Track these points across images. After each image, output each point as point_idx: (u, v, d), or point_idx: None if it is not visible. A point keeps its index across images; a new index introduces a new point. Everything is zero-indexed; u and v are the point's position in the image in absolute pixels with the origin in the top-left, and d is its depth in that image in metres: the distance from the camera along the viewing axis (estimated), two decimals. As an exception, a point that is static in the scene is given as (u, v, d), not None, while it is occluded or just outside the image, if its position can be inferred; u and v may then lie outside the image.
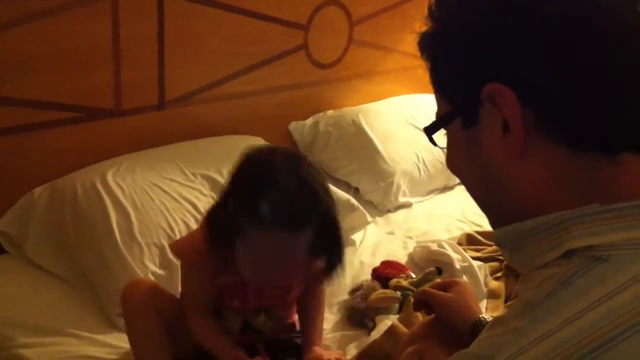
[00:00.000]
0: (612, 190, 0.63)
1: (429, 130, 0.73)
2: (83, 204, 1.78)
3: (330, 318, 1.74)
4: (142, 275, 1.67)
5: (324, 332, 1.65)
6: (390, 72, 2.83)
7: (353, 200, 2.15)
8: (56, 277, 1.76)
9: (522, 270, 0.68)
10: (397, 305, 1.72)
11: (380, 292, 1.73)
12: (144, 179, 1.89)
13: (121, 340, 1.54)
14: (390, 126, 2.55)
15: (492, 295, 1.83)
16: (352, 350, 1.59)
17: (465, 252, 2.00)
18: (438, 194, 2.57)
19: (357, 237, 2.15)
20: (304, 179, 1.24)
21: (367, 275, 1.88)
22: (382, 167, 2.40)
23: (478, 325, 1.14)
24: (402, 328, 1.53)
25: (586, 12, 0.62)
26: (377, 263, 1.92)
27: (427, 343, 1.14)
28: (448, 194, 2.56)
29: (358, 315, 1.73)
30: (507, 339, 0.59)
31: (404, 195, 2.42)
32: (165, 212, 1.83)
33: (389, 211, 2.37)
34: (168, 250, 1.72)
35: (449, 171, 0.77)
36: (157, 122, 2.13)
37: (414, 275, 1.84)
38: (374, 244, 2.13)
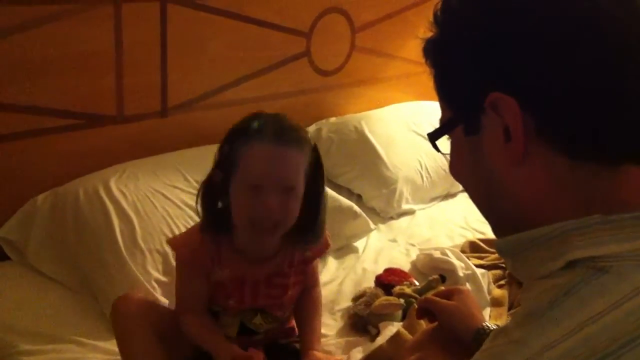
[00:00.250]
0: (613, 201, 0.63)
1: (433, 137, 0.73)
2: (86, 211, 1.78)
3: (333, 324, 1.74)
4: (144, 282, 1.67)
5: (327, 339, 1.65)
6: (392, 79, 2.83)
7: (356, 208, 2.15)
8: (58, 284, 1.76)
9: (524, 279, 0.68)
10: (400, 312, 1.71)
11: (384, 299, 1.72)
12: (146, 186, 1.89)
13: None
14: (393, 133, 2.55)
15: (495, 303, 1.83)
16: (356, 355, 1.59)
17: (469, 259, 1.99)
18: (441, 201, 2.57)
19: (360, 244, 2.16)
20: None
21: (370, 283, 1.88)
22: (384, 174, 2.40)
23: (481, 333, 1.13)
24: (407, 335, 1.53)
25: (586, 12, 0.62)
26: (379, 270, 1.92)
27: (430, 350, 1.14)
28: (451, 201, 2.56)
29: (361, 321, 1.73)
30: (510, 349, 0.59)
31: (407, 202, 2.42)
32: (168, 218, 1.83)
33: (391, 218, 2.37)
34: (171, 257, 1.72)
35: (451, 178, 0.77)
36: (159, 129, 2.13)
37: (417, 283, 1.84)
38: (376, 251, 2.13)
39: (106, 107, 1.99)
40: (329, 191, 2.08)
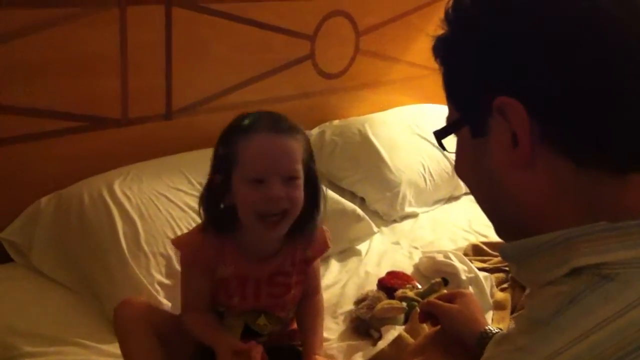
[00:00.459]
0: (618, 208, 0.63)
1: (438, 135, 0.73)
2: (89, 213, 1.78)
3: (335, 328, 1.74)
4: (147, 285, 1.68)
5: (330, 342, 1.65)
6: (396, 82, 2.83)
7: (359, 211, 2.15)
8: (61, 286, 1.76)
9: (528, 284, 0.68)
10: (402, 316, 1.71)
11: (386, 302, 1.72)
12: (150, 189, 1.89)
13: (126, 350, 1.54)
14: (396, 136, 2.55)
15: (498, 306, 1.82)
16: (359, 359, 1.59)
17: (471, 262, 1.99)
18: (444, 204, 2.56)
19: (362, 247, 2.16)
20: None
21: (372, 286, 1.88)
22: (388, 177, 2.40)
23: (484, 337, 1.13)
24: (409, 338, 1.53)
25: (586, 12, 0.62)
26: (382, 273, 1.92)
27: (432, 354, 1.14)
28: (454, 204, 2.55)
29: (364, 325, 1.73)
30: (516, 357, 0.59)
31: (410, 205, 2.41)
32: (172, 221, 1.83)
33: (394, 221, 2.37)
34: (174, 260, 1.72)
35: (455, 181, 0.77)
36: (164, 132, 2.14)
37: (419, 286, 1.84)
38: (379, 254, 2.13)
39: (111, 110, 2.00)
40: (332, 194, 2.08)
